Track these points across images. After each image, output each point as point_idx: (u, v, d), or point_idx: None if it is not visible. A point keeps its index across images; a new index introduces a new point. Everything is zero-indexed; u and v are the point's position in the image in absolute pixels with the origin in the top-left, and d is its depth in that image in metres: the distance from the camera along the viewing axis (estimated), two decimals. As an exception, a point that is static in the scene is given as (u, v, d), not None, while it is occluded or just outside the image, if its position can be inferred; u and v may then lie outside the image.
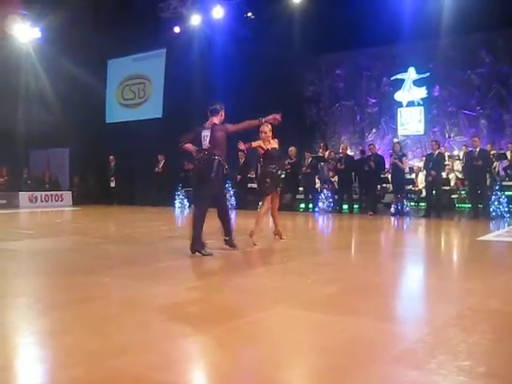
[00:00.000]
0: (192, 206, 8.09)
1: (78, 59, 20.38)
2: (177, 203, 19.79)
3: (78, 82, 20.99)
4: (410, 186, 17.35)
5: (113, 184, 22.20)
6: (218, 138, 7.61)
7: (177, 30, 21.55)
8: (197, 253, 7.43)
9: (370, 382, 2.97)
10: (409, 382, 2.93)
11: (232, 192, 18.74)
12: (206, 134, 7.64)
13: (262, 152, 8.98)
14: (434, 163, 14.71)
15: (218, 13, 19.97)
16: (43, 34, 21.17)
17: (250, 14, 20.05)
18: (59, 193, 22.28)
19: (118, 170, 22.20)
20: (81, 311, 4.51)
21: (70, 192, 22.71)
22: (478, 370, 3.05)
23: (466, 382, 2.89)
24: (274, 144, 9.08)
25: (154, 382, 2.95)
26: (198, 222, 7.62)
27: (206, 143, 7.60)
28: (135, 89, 24.64)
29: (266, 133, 8.86)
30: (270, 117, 8.15)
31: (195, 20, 20.87)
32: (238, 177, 18.58)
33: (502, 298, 5.04)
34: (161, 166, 20.58)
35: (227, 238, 8.04)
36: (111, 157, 22.22)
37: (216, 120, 7.79)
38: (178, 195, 19.83)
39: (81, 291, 5.32)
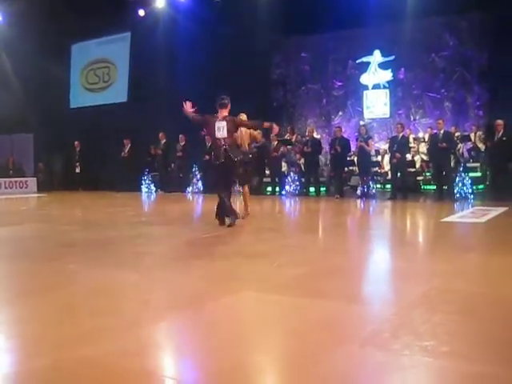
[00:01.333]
0: (223, 186, 8.83)
1: (41, 43, 20.07)
2: (143, 188, 19.67)
3: (42, 66, 20.70)
4: (376, 169, 17.49)
5: (78, 170, 21.97)
6: (231, 129, 8.68)
7: (141, 13, 21.31)
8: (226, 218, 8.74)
9: (339, 364, 3.00)
10: (375, 363, 2.97)
11: (199, 176, 18.70)
12: (221, 126, 8.62)
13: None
14: (399, 146, 14.87)
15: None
16: (5, 18, 20.80)
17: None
18: (23, 179, 21.99)
19: (83, 155, 21.97)
20: (47, 299, 4.47)
21: (35, 178, 22.41)
22: (442, 349, 3.11)
23: (430, 361, 2.95)
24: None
25: (123, 369, 2.94)
26: (230, 195, 8.95)
27: (222, 133, 8.60)
28: (100, 73, 24.38)
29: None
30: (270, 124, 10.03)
31: (159, 2, 20.66)
32: (206, 157, 18.49)
33: (466, 278, 5.14)
34: (127, 150, 20.41)
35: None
36: (76, 142, 21.98)
37: (226, 112, 8.76)
38: (145, 180, 19.71)
39: (47, 279, 5.28)
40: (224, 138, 8.61)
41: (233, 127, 8.78)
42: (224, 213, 8.93)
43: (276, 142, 17.24)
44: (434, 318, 3.70)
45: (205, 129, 9.20)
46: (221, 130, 8.62)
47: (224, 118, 8.68)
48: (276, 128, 9.32)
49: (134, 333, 3.53)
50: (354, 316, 3.93)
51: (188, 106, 8.94)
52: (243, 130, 9.85)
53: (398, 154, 14.71)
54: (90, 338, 3.41)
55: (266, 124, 9.69)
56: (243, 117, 9.73)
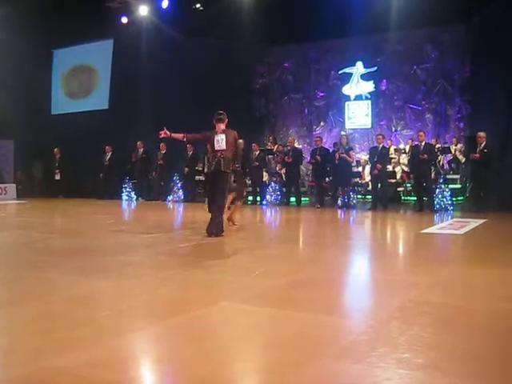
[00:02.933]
0: (213, 197, 9.05)
1: (22, 49, 19.93)
2: (124, 196, 19.57)
3: (23, 71, 20.54)
4: (357, 179, 17.56)
5: (57, 177, 21.79)
6: (230, 141, 8.94)
7: (124, 20, 21.26)
8: (213, 236, 8.68)
9: (316, 376, 2.99)
10: (351, 375, 2.96)
11: (179, 185, 18.65)
12: (220, 138, 8.88)
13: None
14: (379, 156, 14.95)
15: (166, 4, 19.80)
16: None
17: (198, 6, 19.92)
18: (3, 185, 21.73)
19: (63, 162, 21.80)
20: (23, 309, 4.41)
21: (15, 185, 22.21)
22: (417, 361, 3.11)
23: (405, 373, 2.95)
24: None
25: (97, 380, 2.91)
26: (222, 210, 9.08)
27: (221, 145, 8.85)
28: (81, 79, 24.26)
29: None
30: None
31: (143, 10, 20.65)
32: (186, 169, 18.52)
33: (444, 290, 5.15)
34: (108, 158, 20.32)
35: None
36: (56, 149, 21.82)
37: (223, 126, 9.02)
38: (125, 187, 19.62)
39: (24, 288, 5.22)
40: (222, 150, 8.86)
41: (232, 140, 9.02)
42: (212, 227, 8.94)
43: (257, 152, 17.25)
44: (410, 330, 3.71)
45: (206, 144, 9.32)
46: (219, 142, 8.88)
47: (223, 132, 8.96)
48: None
49: (109, 343, 3.50)
50: (331, 328, 3.92)
51: (165, 132, 9.13)
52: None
53: (379, 165, 14.79)
54: (65, 349, 3.37)
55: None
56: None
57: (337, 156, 15.65)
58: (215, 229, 8.80)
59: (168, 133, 9.11)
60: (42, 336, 3.65)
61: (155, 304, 4.64)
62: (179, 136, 9.23)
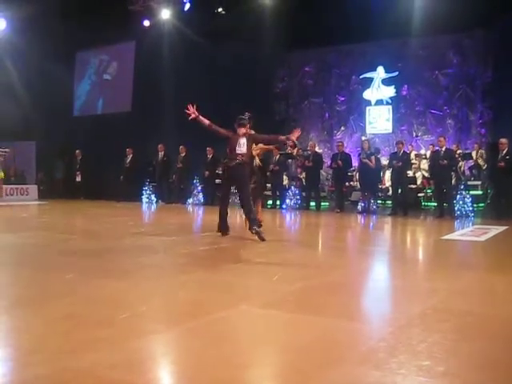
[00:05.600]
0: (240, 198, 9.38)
1: (45, 51, 20.12)
2: (144, 198, 19.66)
3: (46, 73, 20.73)
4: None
5: (78, 178, 21.97)
6: (250, 146, 9.16)
7: (146, 23, 21.42)
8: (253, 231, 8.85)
9: (334, 382, 2.98)
10: (370, 382, 2.94)
11: (200, 188, 18.72)
12: (243, 142, 9.02)
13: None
14: (400, 162, 14.89)
15: (188, 7, 19.91)
16: (10, 25, 20.84)
17: (220, 10, 19.99)
18: (25, 187, 21.95)
19: (85, 164, 21.97)
20: (44, 309, 4.44)
21: (36, 186, 22.41)
22: (438, 369, 3.08)
23: (425, 381, 2.93)
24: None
25: (116, 382, 2.92)
26: (249, 205, 9.13)
27: (242, 149, 9.00)
28: (103, 81, 24.42)
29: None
30: (286, 137, 9.69)
31: (165, 14, 20.77)
32: (206, 173, 18.58)
33: (464, 297, 5.10)
34: (129, 160, 20.43)
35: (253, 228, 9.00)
36: (77, 151, 22.01)
37: (245, 130, 9.13)
38: (146, 190, 19.71)
39: (45, 288, 5.25)
40: (243, 154, 9.02)
41: (251, 144, 9.26)
42: (223, 226, 9.22)
43: (278, 156, 17.24)
44: (430, 337, 3.68)
45: (228, 143, 9.33)
46: (241, 146, 9.02)
47: (244, 135, 9.08)
48: (294, 136, 9.52)
49: (129, 344, 3.51)
50: (351, 333, 3.90)
51: (194, 112, 9.12)
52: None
53: (395, 162, 14.77)
54: (85, 349, 3.39)
55: (282, 138, 9.75)
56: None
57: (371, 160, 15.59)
58: (255, 225, 8.97)
59: (196, 113, 9.12)
60: (63, 336, 3.67)
61: (175, 306, 4.65)
62: (205, 121, 9.19)
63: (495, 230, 10.94)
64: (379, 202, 16.88)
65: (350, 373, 3.11)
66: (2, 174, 19.88)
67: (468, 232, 10.97)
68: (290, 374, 3.09)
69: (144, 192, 19.71)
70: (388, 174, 16.85)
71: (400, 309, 4.69)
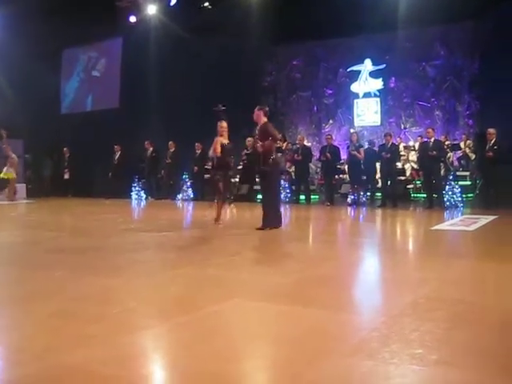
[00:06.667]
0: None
1: (31, 48, 19.94)
2: (133, 195, 19.59)
3: (32, 71, 20.56)
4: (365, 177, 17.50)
5: (67, 176, 21.88)
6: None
7: (133, 19, 21.30)
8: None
9: (327, 373, 2.97)
10: (363, 372, 2.94)
11: (189, 183, 18.69)
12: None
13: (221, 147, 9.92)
14: (389, 153, 14.92)
15: (174, 2, 19.84)
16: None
17: (206, 4, 19.92)
18: (13, 185, 21.76)
19: (73, 161, 21.87)
20: (32, 306, 4.41)
21: (24, 185, 22.25)
22: (431, 357, 3.08)
23: (419, 370, 2.92)
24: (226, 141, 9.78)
25: (106, 378, 2.90)
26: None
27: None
28: (90, 78, 24.29)
29: (225, 128, 9.56)
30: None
31: (151, 9, 20.67)
32: (195, 168, 18.56)
33: (455, 286, 5.12)
34: (117, 157, 20.36)
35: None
36: (65, 148, 21.91)
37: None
38: (135, 187, 19.64)
39: (34, 286, 5.21)
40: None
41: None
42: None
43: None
44: (423, 326, 3.68)
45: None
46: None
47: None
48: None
49: (121, 340, 3.49)
50: (343, 324, 3.90)
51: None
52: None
53: (384, 154, 14.81)
54: (77, 345, 3.36)
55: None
56: (225, 123, 9.93)
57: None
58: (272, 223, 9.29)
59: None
60: (54, 333, 3.65)
61: (166, 301, 4.62)
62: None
63: (484, 219, 10.99)
64: (368, 194, 16.88)
65: (342, 363, 3.10)
66: (14, 175, 19.60)
67: (458, 222, 11.01)
68: (284, 365, 3.07)
69: (133, 188, 19.64)
70: (377, 167, 16.87)
71: (392, 299, 4.69)
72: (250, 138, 16.90)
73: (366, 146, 16.64)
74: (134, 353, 3.36)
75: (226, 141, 10.00)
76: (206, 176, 17.82)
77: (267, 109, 9.53)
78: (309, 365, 3.04)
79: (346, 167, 17.02)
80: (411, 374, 2.88)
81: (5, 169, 19.23)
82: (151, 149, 19.74)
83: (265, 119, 9.41)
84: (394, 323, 3.80)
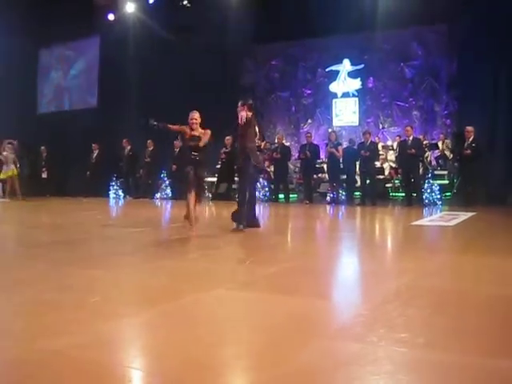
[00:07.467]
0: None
1: (7, 47, 19.77)
2: (111, 194, 19.46)
3: (8, 70, 20.37)
4: (346, 176, 17.54)
5: (44, 175, 21.67)
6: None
7: (111, 17, 21.17)
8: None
9: (311, 356, 2.94)
10: (351, 354, 2.91)
11: (167, 182, 18.61)
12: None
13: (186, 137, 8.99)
14: (368, 151, 14.98)
15: (153, 0, 19.78)
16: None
17: (185, 3, 19.84)
18: (-11, 184, 21.51)
19: (50, 160, 21.66)
20: (11, 295, 4.34)
21: (1, 184, 21.97)
22: (418, 340, 3.08)
23: (406, 352, 2.91)
24: (198, 133, 8.89)
25: (87, 362, 2.85)
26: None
27: None
28: (68, 77, 24.10)
29: (195, 119, 8.81)
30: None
31: (129, 7, 20.56)
32: (174, 167, 18.47)
33: (435, 276, 5.14)
34: (94, 156, 20.22)
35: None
36: (42, 147, 21.69)
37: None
38: (113, 186, 19.51)
39: (15, 277, 5.12)
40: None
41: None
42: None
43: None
44: (407, 311, 3.68)
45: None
46: None
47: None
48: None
49: (101, 326, 3.44)
50: (326, 311, 3.90)
51: None
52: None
53: (363, 152, 14.87)
54: (57, 332, 3.30)
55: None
56: (197, 114, 9.17)
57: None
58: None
59: None
60: (33, 320, 3.60)
61: (147, 291, 4.57)
62: None
63: (464, 215, 11.07)
64: (345, 192, 16.92)
65: (327, 345, 3.08)
66: (15, 171, 19.26)
67: (437, 218, 11.08)
68: (267, 350, 3.04)
69: (111, 187, 19.50)
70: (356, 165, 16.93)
71: (373, 288, 4.67)
72: (228, 137, 16.89)
73: (345, 144, 16.68)
74: (116, 339, 3.32)
75: (197, 133, 8.93)
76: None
77: (251, 102, 9.12)
78: (292, 349, 3.02)
79: (325, 166, 17.03)
80: (399, 356, 2.87)
81: (4, 167, 19.01)
82: (129, 147, 19.63)
83: (249, 113, 8.88)
84: (378, 309, 3.80)
